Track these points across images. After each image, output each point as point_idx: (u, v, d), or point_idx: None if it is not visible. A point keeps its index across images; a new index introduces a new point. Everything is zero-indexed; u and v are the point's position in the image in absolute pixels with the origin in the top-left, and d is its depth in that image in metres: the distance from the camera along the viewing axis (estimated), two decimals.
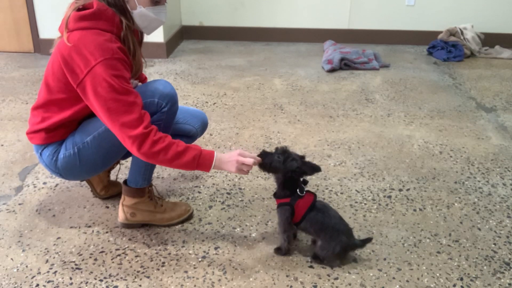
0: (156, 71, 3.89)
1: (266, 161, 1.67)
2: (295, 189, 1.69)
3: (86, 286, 1.63)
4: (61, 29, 1.63)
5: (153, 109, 1.71)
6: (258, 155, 1.68)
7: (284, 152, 1.66)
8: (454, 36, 4.39)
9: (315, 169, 1.67)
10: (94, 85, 1.54)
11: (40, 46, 4.33)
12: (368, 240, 1.73)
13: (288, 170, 1.65)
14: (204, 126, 2.06)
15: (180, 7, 4.80)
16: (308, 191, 1.72)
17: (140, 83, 1.90)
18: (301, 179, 1.71)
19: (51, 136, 1.74)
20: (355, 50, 4.23)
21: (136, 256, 1.77)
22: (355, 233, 1.89)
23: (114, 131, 1.59)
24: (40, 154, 1.78)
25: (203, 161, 1.62)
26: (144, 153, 1.57)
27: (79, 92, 1.60)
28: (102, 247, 1.82)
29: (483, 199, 2.17)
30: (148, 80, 1.92)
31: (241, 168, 1.64)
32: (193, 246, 1.83)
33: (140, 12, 1.68)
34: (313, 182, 2.27)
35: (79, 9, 1.60)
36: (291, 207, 1.68)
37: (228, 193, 2.18)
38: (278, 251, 1.77)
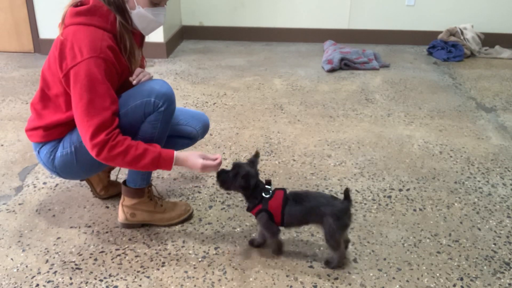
0: (156, 71, 3.89)
1: (219, 178, 1.71)
2: (260, 194, 1.70)
3: (86, 286, 1.63)
4: (60, 25, 1.66)
5: (150, 109, 1.70)
6: (217, 172, 1.73)
7: (233, 168, 1.70)
8: (454, 36, 4.39)
9: (246, 180, 1.67)
10: (75, 80, 1.56)
11: (40, 46, 4.33)
12: (347, 192, 1.65)
13: (236, 187, 1.69)
14: (205, 128, 2.05)
15: (180, 7, 4.80)
16: (277, 189, 1.72)
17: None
18: (264, 181, 1.72)
19: (49, 134, 1.75)
20: (355, 50, 4.23)
21: (136, 256, 1.77)
22: (355, 233, 1.90)
23: (79, 129, 1.60)
24: (38, 152, 1.79)
25: (163, 163, 1.65)
26: (102, 158, 1.59)
27: (64, 84, 1.62)
28: (102, 247, 1.82)
29: (483, 199, 2.17)
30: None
31: (206, 170, 1.69)
32: (193, 246, 1.83)
33: (138, 12, 1.68)
34: (313, 182, 2.27)
35: (76, 5, 1.64)
36: (266, 211, 1.67)
37: (228, 193, 2.18)
38: (277, 252, 1.77)
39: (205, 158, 1.70)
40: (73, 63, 1.56)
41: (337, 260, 1.70)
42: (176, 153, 1.67)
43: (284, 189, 1.72)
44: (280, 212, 1.66)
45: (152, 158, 1.62)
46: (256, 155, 1.74)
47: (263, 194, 1.69)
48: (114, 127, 1.59)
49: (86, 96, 1.55)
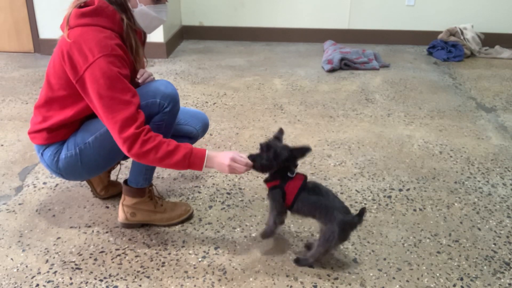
0: (156, 71, 3.89)
1: (257, 164, 1.66)
2: (285, 172, 1.67)
3: (86, 286, 1.63)
4: (62, 26, 1.64)
5: (155, 109, 1.70)
6: (249, 159, 1.66)
7: (269, 148, 1.64)
8: (454, 36, 4.39)
9: (304, 151, 1.64)
10: (92, 81, 1.55)
11: (40, 46, 4.33)
12: (363, 211, 1.64)
13: (281, 162, 1.64)
14: (205, 127, 2.06)
15: (180, 7, 4.80)
16: (298, 173, 1.70)
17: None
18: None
19: (53, 136, 1.74)
20: (355, 50, 4.23)
21: (136, 256, 1.77)
22: (354, 232, 1.90)
23: (108, 128, 1.60)
24: (42, 154, 1.78)
25: (194, 160, 1.62)
26: (134, 153, 1.57)
27: (78, 88, 1.61)
28: (102, 247, 1.82)
29: (483, 199, 2.17)
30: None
31: (233, 172, 1.65)
32: (193, 246, 1.83)
33: (141, 10, 1.68)
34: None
35: (80, 6, 1.62)
36: (282, 189, 1.65)
37: (228, 193, 2.18)
38: (264, 234, 1.74)
39: (235, 160, 1.64)
40: (86, 64, 1.55)
41: (310, 263, 1.71)
42: (208, 152, 1.64)
43: (305, 176, 1.70)
44: (294, 195, 1.65)
45: (184, 155, 1.59)
46: (281, 131, 1.72)
47: (288, 174, 1.67)
48: (142, 121, 1.58)
49: (105, 94, 1.55)
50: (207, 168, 1.68)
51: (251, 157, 1.67)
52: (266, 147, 1.66)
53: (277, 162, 1.64)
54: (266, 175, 1.73)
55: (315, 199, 1.65)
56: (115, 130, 1.56)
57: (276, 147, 1.65)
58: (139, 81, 1.79)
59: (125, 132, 1.55)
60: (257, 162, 1.66)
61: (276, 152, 1.63)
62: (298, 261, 1.73)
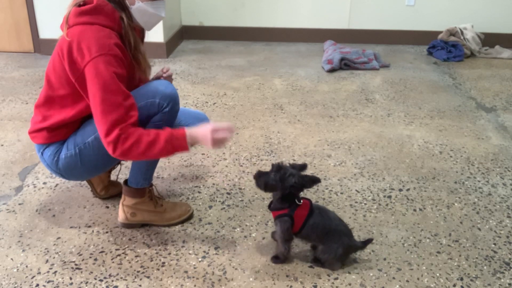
0: (156, 71, 3.87)
1: (262, 181, 1.63)
2: (292, 199, 1.66)
3: (86, 286, 1.63)
4: (62, 26, 1.65)
5: (155, 109, 1.70)
6: (254, 176, 1.65)
7: (279, 169, 1.62)
8: (454, 36, 4.39)
9: (314, 181, 1.63)
10: (88, 79, 1.56)
11: (40, 46, 4.33)
12: (369, 241, 1.72)
13: (286, 187, 1.61)
14: None
15: (180, 7, 4.80)
16: (303, 198, 1.69)
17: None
18: None
19: (53, 135, 1.74)
20: (355, 50, 4.23)
21: (136, 256, 1.77)
22: (355, 233, 1.90)
23: (97, 127, 1.59)
24: (42, 153, 1.79)
25: (177, 142, 1.58)
26: (119, 154, 1.57)
27: (78, 87, 1.62)
28: (102, 247, 1.82)
29: (483, 199, 2.17)
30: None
31: (218, 143, 1.61)
32: (193, 246, 1.83)
33: (138, 7, 1.68)
34: None
35: (79, 5, 1.62)
36: (291, 217, 1.64)
37: (228, 193, 2.18)
38: (276, 259, 1.74)
39: (215, 129, 1.60)
40: (83, 63, 1.56)
41: (328, 265, 1.71)
42: (187, 129, 1.61)
43: (310, 200, 1.71)
44: (302, 221, 1.65)
45: (165, 140, 1.57)
46: (304, 166, 1.67)
47: (296, 201, 1.66)
48: (130, 123, 1.57)
49: (98, 94, 1.55)
50: (194, 147, 1.62)
51: (258, 173, 1.65)
52: (277, 167, 1.63)
53: (282, 185, 1.61)
54: (271, 202, 1.71)
55: (323, 225, 1.66)
56: (102, 131, 1.56)
57: (287, 170, 1.62)
58: (163, 76, 1.85)
59: (110, 135, 1.55)
60: (263, 179, 1.63)
61: (284, 175, 1.61)
62: (315, 261, 1.74)
